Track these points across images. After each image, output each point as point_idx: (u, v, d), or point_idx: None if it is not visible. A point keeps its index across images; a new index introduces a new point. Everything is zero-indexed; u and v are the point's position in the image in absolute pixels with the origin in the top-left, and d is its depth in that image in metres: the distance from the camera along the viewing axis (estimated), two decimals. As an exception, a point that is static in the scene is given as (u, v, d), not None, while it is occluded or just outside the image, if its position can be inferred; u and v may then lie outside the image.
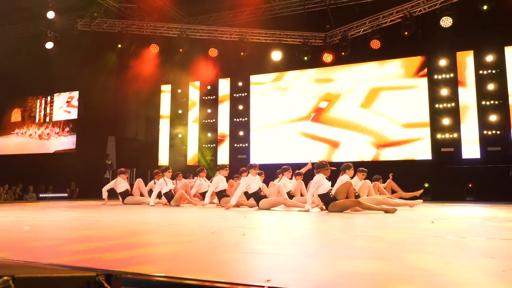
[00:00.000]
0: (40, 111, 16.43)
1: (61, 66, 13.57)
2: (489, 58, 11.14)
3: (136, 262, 2.20)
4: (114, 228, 4.07)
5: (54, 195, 13.99)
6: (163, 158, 14.95)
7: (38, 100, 16.54)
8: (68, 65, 13.52)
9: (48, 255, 2.46)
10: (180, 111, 15.04)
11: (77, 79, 13.94)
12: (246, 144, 13.84)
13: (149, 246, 2.96)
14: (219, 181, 8.26)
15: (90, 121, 14.68)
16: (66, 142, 15.75)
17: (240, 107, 14.18)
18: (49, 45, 13.81)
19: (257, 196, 7.33)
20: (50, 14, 12.80)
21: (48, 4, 12.75)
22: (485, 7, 9.81)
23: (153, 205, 8.28)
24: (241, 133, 14.00)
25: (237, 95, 14.31)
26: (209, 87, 14.69)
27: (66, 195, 13.95)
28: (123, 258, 2.31)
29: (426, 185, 10.62)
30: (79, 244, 2.90)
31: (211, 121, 14.54)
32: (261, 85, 14.02)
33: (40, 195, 13.74)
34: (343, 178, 6.58)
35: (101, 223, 4.69)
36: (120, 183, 9.33)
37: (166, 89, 15.37)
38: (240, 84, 14.31)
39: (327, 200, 6.36)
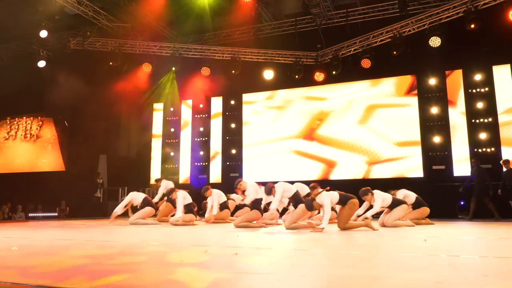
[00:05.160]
0: (31, 130, 16.28)
1: (53, 85, 13.54)
2: (478, 77, 11.32)
3: (125, 285, 2.16)
4: (105, 249, 4.00)
5: (44, 214, 13.77)
6: (155, 177, 14.83)
7: (29, 119, 16.40)
8: (60, 83, 13.49)
9: (38, 276, 2.41)
10: (172, 129, 15.03)
11: (69, 97, 13.89)
12: (239, 162, 13.82)
13: (137, 268, 2.90)
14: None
15: (81, 139, 14.56)
16: (56, 160, 15.59)
17: (233, 125, 14.20)
18: (42, 63, 13.80)
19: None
20: (43, 33, 12.83)
21: (41, 23, 12.79)
22: (472, 26, 10.02)
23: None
24: (233, 151, 13.99)
25: (230, 113, 14.35)
26: (201, 106, 14.72)
27: (56, 214, 13.74)
28: (111, 283, 2.27)
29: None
30: (69, 266, 2.85)
31: (204, 139, 14.53)
32: (253, 103, 14.08)
33: (29, 215, 13.52)
34: None
35: (91, 243, 4.62)
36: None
37: (158, 107, 15.37)
38: (232, 102, 14.36)
39: None
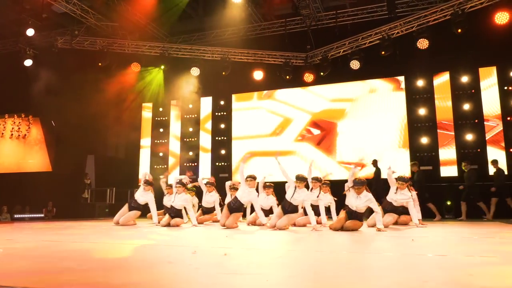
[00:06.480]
0: (19, 130, 16.02)
1: (40, 84, 13.37)
2: (465, 78, 11.48)
3: (111, 284, 2.14)
4: (90, 250, 3.96)
5: (30, 215, 13.58)
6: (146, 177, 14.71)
7: (18, 119, 16.13)
8: (47, 83, 13.32)
9: (22, 279, 2.38)
10: (161, 130, 14.95)
11: (56, 97, 13.73)
12: (228, 163, 13.79)
13: (126, 269, 2.88)
14: None
15: (68, 139, 14.38)
16: (42, 161, 15.38)
17: (222, 125, 14.19)
18: (28, 62, 13.62)
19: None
20: (30, 32, 12.65)
21: (28, 22, 12.62)
22: (459, 30, 10.18)
23: None
24: (223, 151, 13.97)
25: (219, 113, 14.33)
26: (191, 106, 14.67)
27: (43, 215, 13.56)
28: (97, 283, 2.25)
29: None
30: (55, 268, 2.81)
31: (193, 139, 14.48)
32: (243, 104, 14.08)
33: (15, 216, 13.32)
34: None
35: (76, 245, 4.56)
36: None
37: (147, 107, 15.29)
38: (222, 103, 14.34)
39: None
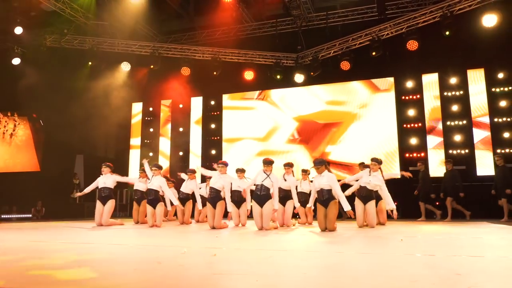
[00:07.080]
0: (5, 129, 15.79)
1: (28, 83, 13.20)
2: (453, 80, 11.61)
3: (101, 286, 2.13)
4: (79, 251, 3.92)
5: (18, 216, 13.39)
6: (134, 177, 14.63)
7: (5, 118, 15.89)
8: (35, 82, 13.15)
9: (5, 279, 2.35)
10: (151, 130, 14.87)
11: (45, 96, 13.55)
12: (218, 163, 13.75)
13: (115, 270, 2.86)
14: None
15: (57, 139, 14.20)
16: (30, 160, 15.19)
17: (213, 125, 14.16)
18: (16, 61, 13.44)
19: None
20: (18, 30, 12.49)
21: (16, 20, 12.46)
22: (447, 33, 10.30)
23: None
24: (213, 151, 13.93)
25: (210, 113, 14.30)
26: (181, 106, 14.62)
27: (30, 215, 13.39)
28: (85, 283, 2.23)
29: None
30: (41, 270, 2.78)
31: (183, 139, 14.43)
32: (233, 103, 14.07)
33: (2, 216, 13.13)
34: None
35: (65, 245, 4.52)
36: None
37: (137, 107, 15.19)
38: (212, 103, 14.32)
39: None
